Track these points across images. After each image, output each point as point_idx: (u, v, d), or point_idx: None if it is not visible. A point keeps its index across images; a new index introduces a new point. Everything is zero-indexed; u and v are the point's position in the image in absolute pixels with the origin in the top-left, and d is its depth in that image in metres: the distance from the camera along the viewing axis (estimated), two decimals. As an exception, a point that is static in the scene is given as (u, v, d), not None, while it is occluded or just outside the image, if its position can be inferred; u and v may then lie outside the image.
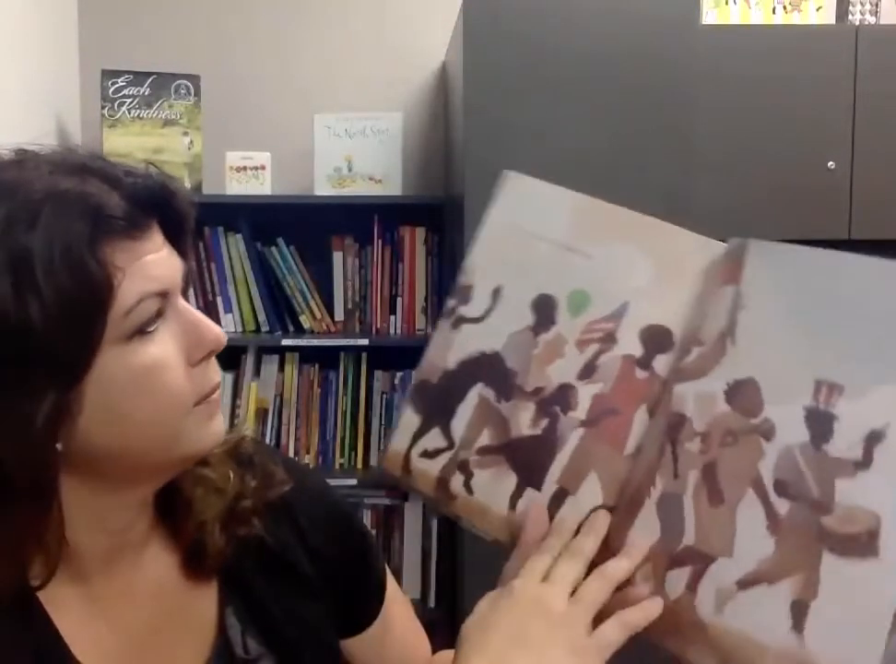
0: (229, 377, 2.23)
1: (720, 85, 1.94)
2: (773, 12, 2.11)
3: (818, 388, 0.54)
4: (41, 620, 0.58)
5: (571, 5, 1.90)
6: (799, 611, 0.52)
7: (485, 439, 0.64)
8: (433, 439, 0.66)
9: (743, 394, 0.56)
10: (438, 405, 0.66)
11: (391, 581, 0.78)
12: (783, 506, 0.53)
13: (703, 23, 2.02)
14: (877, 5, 2.11)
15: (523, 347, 0.64)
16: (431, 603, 2.27)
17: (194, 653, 0.65)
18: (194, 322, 0.59)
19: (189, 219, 0.61)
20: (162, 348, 0.57)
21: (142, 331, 0.56)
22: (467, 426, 0.65)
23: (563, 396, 0.63)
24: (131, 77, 2.19)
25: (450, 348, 0.66)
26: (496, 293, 0.66)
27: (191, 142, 2.23)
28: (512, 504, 0.63)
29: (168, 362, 0.57)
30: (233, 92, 2.33)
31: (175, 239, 0.60)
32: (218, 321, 2.48)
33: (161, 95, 2.20)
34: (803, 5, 2.11)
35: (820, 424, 0.53)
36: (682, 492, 0.57)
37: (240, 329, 2.24)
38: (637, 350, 0.61)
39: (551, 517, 0.61)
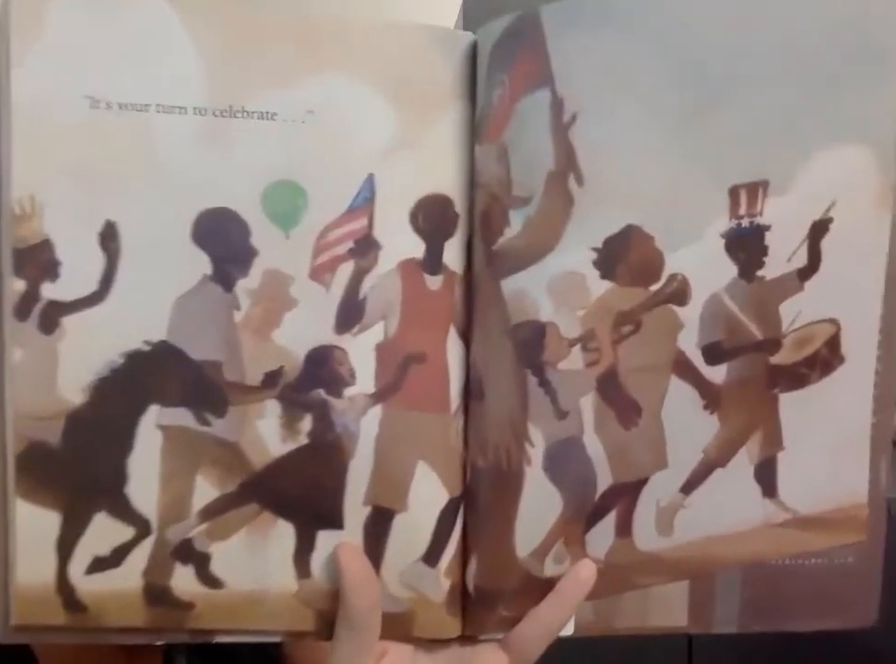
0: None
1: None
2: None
3: (734, 198, 0.41)
4: None
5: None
6: (766, 473, 0.46)
7: (208, 492, 0.43)
8: (104, 533, 0.42)
9: (626, 254, 0.41)
10: (82, 474, 0.41)
11: None
12: (718, 374, 0.44)
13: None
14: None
15: (211, 316, 0.42)
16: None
17: None
18: None
19: None
20: None
21: None
22: (162, 484, 0.42)
23: (323, 369, 0.42)
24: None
25: (55, 370, 0.40)
26: (108, 238, 0.40)
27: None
28: (303, 569, 0.44)
29: None
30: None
31: None
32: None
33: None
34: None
35: (749, 246, 0.42)
36: (578, 433, 0.43)
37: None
38: (416, 247, 0.43)
39: (378, 559, 0.44)
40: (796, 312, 0.43)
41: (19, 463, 0.41)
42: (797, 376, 0.44)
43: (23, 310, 0.39)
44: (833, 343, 0.44)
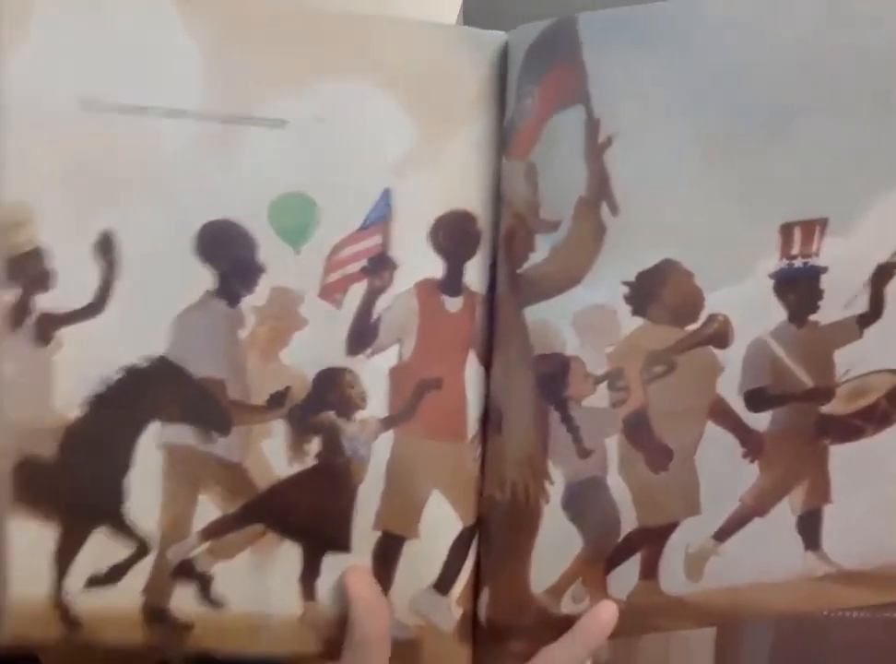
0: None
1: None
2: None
3: (786, 236, 0.38)
4: None
5: (572, 4, 1.82)
6: (810, 526, 0.43)
7: (210, 511, 0.41)
8: (102, 550, 0.41)
9: (661, 290, 0.38)
10: (79, 491, 0.40)
11: None
12: (761, 422, 0.41)
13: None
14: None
15: (214, 333, 0.40)
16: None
17: None
18: None
19: None
20: None
21: None
22: (165, 503, 0.41)
23: (332, 390, 0.40)
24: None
25: (49, 383, 0.39)
26: (104, 248, 0.38)
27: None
28: (308, 592, 0.42)
29: None
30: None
31: None
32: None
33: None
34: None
35: (801, 288, 0.39)
36: (602, 473, 0.40)
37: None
38: (435, 266, 0.40)
39: (387, 584, 0.42)
40: (853, 360, 0.40)
41: (14, 477, 0.40)
42: (851, 428, 0.41)
43: (15, 321, 0.38)
44: (894, 395, 0.41)
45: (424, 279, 0.39)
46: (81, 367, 0.38)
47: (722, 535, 0.42)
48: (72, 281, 0.38)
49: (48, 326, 0.38)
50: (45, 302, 0.38)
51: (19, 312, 0.38)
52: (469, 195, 0.39)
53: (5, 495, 0.40)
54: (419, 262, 0.39)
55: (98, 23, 0.36)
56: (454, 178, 0.39)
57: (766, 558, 0.43)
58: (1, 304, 0.38)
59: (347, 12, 0.36)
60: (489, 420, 0.41)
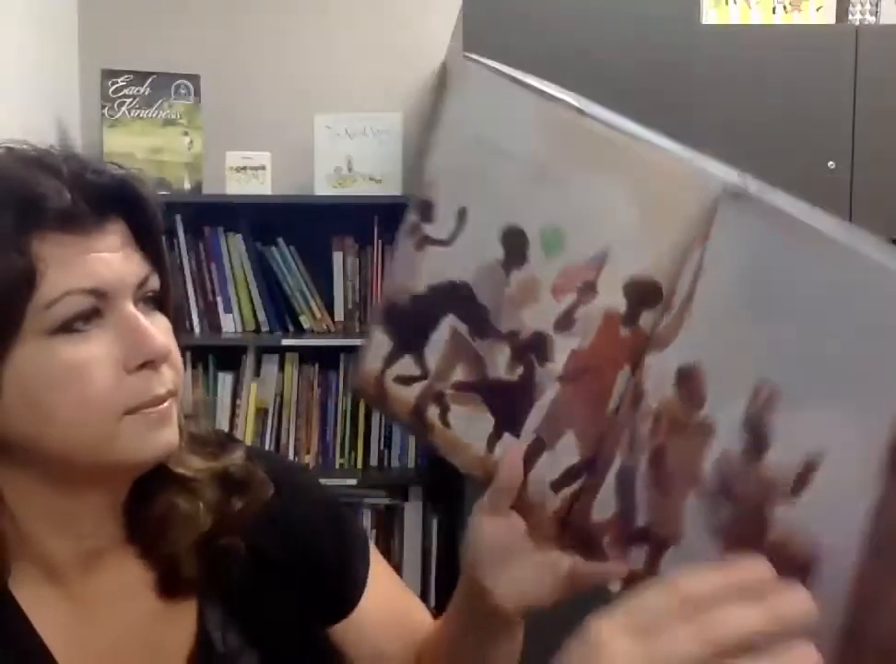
0: (229, 377, 2.63)
1: (719, 85, 2.22)
2: (773, 12, 2.37)
3: (758, 390, 0.53)
4: (18, 619, 0.67)
5: (571, 5, 2.21)
6: None
7: (459, 374, 0.69)
8: (406, 366, 0.71)
9: (689, 380, 0.56)
10: (409, 330, 0.70)
11: (375, 559, 0.89)
12: (727, 511, 0.55)
13: (703, 23, 2.32)
14: (877, 5, 2.37)
15: (493, 282, 0.66)
16: (432, 603, 2.57)
17: (176, 653, 0.74)
18: (134, 328, 0.64)
19: (154, 221, 0.67)
20: (91, 348, 0.63)
21: (69, 328, 0.62)
22: (441, 357, 0.69)
23: (539, 344, 0.65)
24: (131, 76, 2.47)
25: (417, 270, 0.69)
26: (461, 215, 0.66)
27: (191, 142, 2.53)
28: (490, 446, 0.68)
29: (94, 363, 0.63)
30: (233, 92, 2.63)
31: (144, 244, 0.67)
32: (217, 321, 2.67)
33: (161, 95, 2.50)
34: (803, 5, 2.36)
35: (757, 435, 0.53)
36: (636, 469, 0.60)
37: (240, 329, 2.58)
38: (620, 305, 0.61)
39: (528, 466, 0.66)
40: (783, 515, 0.51)
41: (384, 308, 0.70)
42: (783, 565, 0.50)
43: (410, 233, 0.68)
44: (806, 566, 0.50)
45: (610, 309, 0.60)
46: (431, 269, 0.68)
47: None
48: (442, 223, 0.67)
49: (423, 242, 0.68)
50: (427, 229, 0.68)
51: (411, 230, 0.68)
52: (662, 272, 0.58)
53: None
54: (612, 298, 0.60)
55: (497, 98, 0.62)
56: (654, 256, 0.58)
57: None
58: (408, 225, 0.68)
59: (627, 142, 0.56)
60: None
